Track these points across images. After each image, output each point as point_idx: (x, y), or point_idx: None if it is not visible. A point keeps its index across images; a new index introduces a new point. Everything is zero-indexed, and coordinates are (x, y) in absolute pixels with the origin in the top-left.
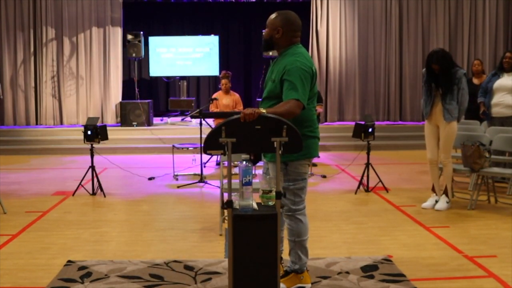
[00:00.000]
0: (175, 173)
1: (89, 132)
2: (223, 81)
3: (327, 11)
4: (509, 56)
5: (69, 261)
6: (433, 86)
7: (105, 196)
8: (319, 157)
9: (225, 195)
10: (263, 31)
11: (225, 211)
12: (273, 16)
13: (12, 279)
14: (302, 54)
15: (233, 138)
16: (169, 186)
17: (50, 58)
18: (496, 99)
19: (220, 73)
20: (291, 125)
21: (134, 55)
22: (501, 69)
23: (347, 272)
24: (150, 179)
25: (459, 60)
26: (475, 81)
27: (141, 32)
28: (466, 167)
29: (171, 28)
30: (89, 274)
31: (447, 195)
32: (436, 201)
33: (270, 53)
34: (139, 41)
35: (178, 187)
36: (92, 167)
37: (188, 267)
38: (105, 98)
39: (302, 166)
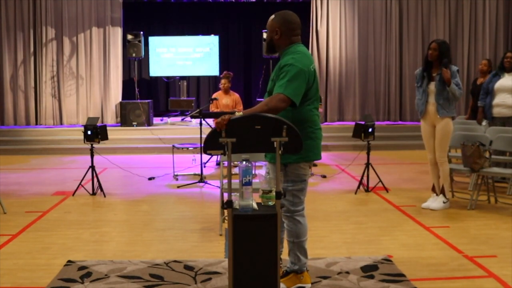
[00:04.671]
0: (175, 173)
1: (89, 132)
2: (223, 81)
3: (327, 11)
4: (510, 56)
5: (69, 261)
6: (426, 82)
7: (105, 196)
8: (320, 158)
9: (225, 195)
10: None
11: (225, 211)
12: (270, 18)
13: (12, 279)
14: (301, 52)
15: (233, 138)
16: (169, 186)
17: (50, 58)
18: (498, 99)
19: (220, 73)
20: (291, 125)
21: (134, 55)
22: (502, 69)
23: (347, 272)
24: (150, 179)
25: (459, 60)
26: (479, 81)
27: (141, 32)
28: (466, 167)
29: (171, 28)
30: (89, 274)
31: (444, 195)
32: None
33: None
34: (139, 41)
35: (178, 187)
36: (92, 167)
37: (188, 267)
38: (105, 98)
39: (301, 168)
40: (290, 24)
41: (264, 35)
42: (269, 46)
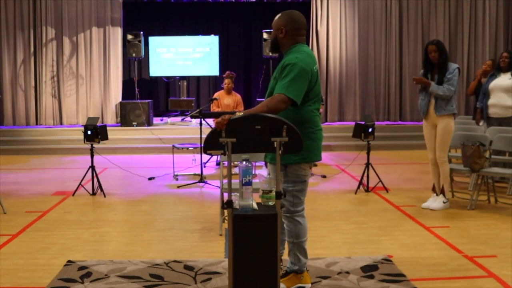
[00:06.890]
0: (175, 173)
1: (89, 132)
2: (226, 81)
3: (327, 11)
4: (505, 56)
5: (69, 261)
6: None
7: (105, 196)
8: (320, 159)
9: (225, 195)
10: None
11: (225, 211)
12: (277, 16)
13: (12, 279)
14: (305, 52)
15: (233, 138)
16: (169, 186)
17: (50, 58)
18: (493, 99)
19: (220, 73)
20: (291, 125)
21: (134, 55)
22: (498, 69)
23: (347, 272)
24: (150, 179)
25: (459, 60)
26: (483, 80)
27: (141, 32)
28: (466, 167)
29: (171, 28)
30: (89, 274)
31: (444, 195)
32: None
33: (270, 54)
34: (139, 41)
35: (178, 187)
36: (92, 167)
37: (188, 267)
38: (105, 98)
39: (301, 169)
40: (296, 24)
41: (264, 35)
42: (273, 44)
